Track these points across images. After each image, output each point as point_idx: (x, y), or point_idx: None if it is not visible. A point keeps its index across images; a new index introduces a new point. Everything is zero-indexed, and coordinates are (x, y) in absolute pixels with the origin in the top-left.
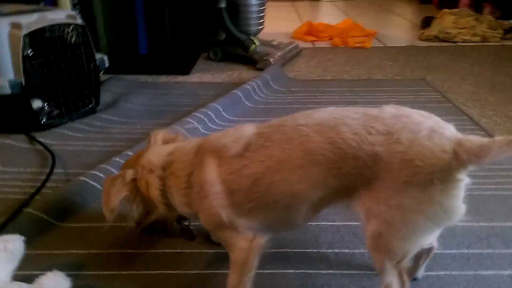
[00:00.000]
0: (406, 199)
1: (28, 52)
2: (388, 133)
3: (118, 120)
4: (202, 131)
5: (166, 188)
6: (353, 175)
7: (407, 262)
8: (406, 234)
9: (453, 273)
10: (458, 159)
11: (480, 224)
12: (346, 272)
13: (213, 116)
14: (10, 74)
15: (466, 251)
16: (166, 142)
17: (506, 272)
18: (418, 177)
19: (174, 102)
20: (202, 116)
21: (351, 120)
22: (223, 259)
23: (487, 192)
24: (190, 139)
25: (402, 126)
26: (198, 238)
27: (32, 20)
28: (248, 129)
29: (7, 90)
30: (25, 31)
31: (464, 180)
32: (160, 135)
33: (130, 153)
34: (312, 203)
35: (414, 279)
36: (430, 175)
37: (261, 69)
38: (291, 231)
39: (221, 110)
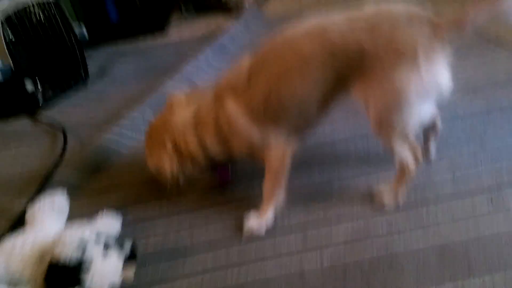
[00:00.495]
0: (396, 81)
1: (10, 37)
2: (371, 28)
3: (112, 88)
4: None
5: (202, 141)
6: (345, 69)
7: (414, 138)
8: (402, 110)
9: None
10: (437, 30)
11: None
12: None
13: (204, 67)
14: None
15: None
16: (183, 102)
17: None
18: (403, 60)
19: (159, 62)
20: (194, 69)
21: (335, 24)
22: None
23: None
24: (202, 90)
25: (382, 20)
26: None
27: (4, 6)
28: (245, 61)
29: None
30: (1, 18)
31: (446, 52)
32: (176, 97)
33: (136, 114)
34: (318, 100)
35: (428, 161)
36: (413, 55)
37: (238, 15)
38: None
39: (210, 60)
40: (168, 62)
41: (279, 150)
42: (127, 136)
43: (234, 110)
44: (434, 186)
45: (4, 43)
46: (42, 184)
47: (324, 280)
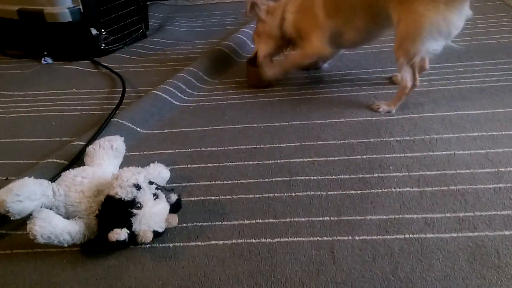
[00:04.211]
0: (419, 6)
1: None
2: None
3: (169, 42)
4: (252, 46)
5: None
6: None
7: (417, 61)
8: (416, 36)
9: (511, 149)
10: None
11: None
12: (409, 154)
13: None
14: (68, 2)
15: None
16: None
17: None
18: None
19: (217, 22)
20: (250, 31)
21: None
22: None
23: None
24: None
25: None
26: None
27: None
28: None
29: (68, 17)
30: None
31: (464, 9)
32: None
33: (189, 68)
34: (371, 13)
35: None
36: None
37: None
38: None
39: None
40: (226, 23)
41: (320, 45)
42: (181, 89)
43: None
44: (473, 179)
45: None
46: (102, 126)
47: (354, 258)
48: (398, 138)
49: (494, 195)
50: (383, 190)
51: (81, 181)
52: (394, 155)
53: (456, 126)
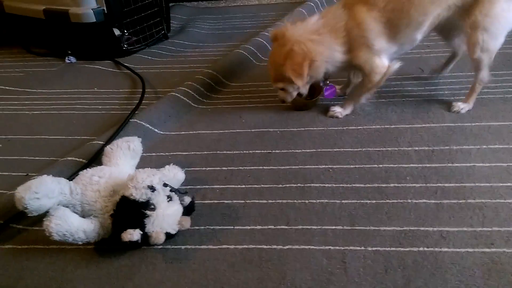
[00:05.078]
0: (495, 9)
1: None
2: None
3: (190, 44)
4: None
5: (328, 47)
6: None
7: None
8: (497, 35)
9: None
10: None
11: None
12: (428, 165)
13: None
14: (92, 3)
15: None
16: (292, 26)
17: None
18: None
19: (238, 25)
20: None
21: None
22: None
23: None
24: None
25: None
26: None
27: None
28: None
29: (92, 18)
30: None
31: None
32: (281, 28)
33: (208, 71)
34: (433, 19)
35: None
36: None
37: None
38: None
39: None
40: (246, 25)
41: (383, 68)
42: (199, 91)
43: (365, 16)
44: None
45: None
46: (121, 126)
47: (365, 270)
48: (417, 148)
49: None
50: (398, 200)
51: (98, 181)
52: (411, 165)
53: (477, 138)
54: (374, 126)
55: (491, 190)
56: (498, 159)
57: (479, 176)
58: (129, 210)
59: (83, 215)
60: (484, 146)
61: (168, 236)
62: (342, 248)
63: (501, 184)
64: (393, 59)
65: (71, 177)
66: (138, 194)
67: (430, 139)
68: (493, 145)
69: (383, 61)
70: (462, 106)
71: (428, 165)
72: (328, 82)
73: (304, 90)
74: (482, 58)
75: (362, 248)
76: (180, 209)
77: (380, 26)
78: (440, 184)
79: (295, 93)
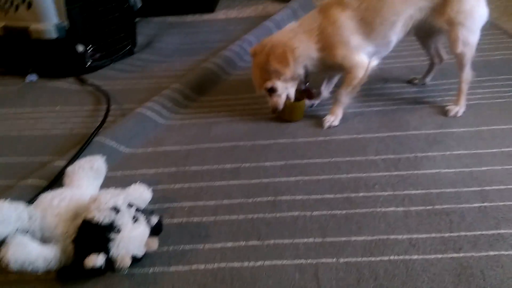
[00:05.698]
0: (465, 5)
1: None
2: None
3: (157, 59)
4: (239, 64)
5: (305, 47)
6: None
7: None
8: (473, 29)
9: (495, 168)
10: None
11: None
12: (395, 173)
13: (247, 48)
14: (54, 19)
15: (507, 149)
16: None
17: None
18: None
19: (206, 39)
20: (237, 50)
21: None
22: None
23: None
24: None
25: None
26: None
27: None
28: None
29: (54, 34)
30: None
31: None
32: (260, 43)
33: (175, 86)
34: (406, 20)
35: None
36: None
37: (287, 0)
38: None
39: (253, 42)
40: (214, 39)
41: (364, 64)
42: (167, 107)
43: (340, 15)
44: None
45: (63, 1)
46: (84, 145)
47: (338, 282)
48: (384, 157)
49: (479, 215)
50: (368, 210)
51: (58, 204)
52: (379, 173)
53: (441, 144)
54: (342, 137)
55: (456, 195)
56: (462, 164)
57: (444, 182)
58: (92, 234)
59: (44, 241)
60: (448, 152)
61: (135, 259)
62: (314, 261)
63: (466, 189)
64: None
65: (31, 201)
66: (101, 216)
67: (396, 147)
68: (456, 151)
69: (361, 57)
70: (456, 109)
71: (395, 173)
72: (308, 84)
73: (292, 91)
74: (465, 52)
75: (334, 260)
76: (146, 230)
77: (354, 23)
78: (407, 192)
79: (285, 95)
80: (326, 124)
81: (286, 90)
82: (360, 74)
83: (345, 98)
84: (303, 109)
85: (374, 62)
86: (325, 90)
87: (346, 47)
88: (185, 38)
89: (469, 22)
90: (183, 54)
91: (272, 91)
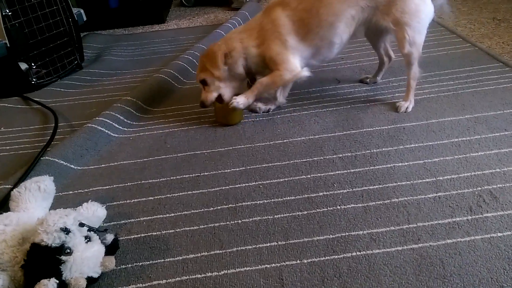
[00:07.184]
0: (409, 5)
1: (7, 11)
2: None
3: (107, 72)
4: (192, 72)
5: (244, 44)
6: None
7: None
8: (419, 28)
9: (446, 158)
10: None
11: (466, 116)
12: (352, 170)
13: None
14: None
15: (456, 139)
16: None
17: (493, 151)
18: None
19: (157, 50)
20: (190, 58)
21: None
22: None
23: (469, 89)
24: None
25: None
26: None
27: None
28: None
29: None
30: None
31: None
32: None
33: (127, 98)
34: (347, 20)
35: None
36: None
37: (237, 8)
38: None
39: None
40: (165, 50)
41: (296, 68)
42: (119, 120)
43: (279, 14)
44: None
45: (0, 18)
46: (31, 166)
47: (303, 283)
48: (341, 155)
49: (435, 205)
50: (328, 208)
51: (4, 229)
52: (337, 172)
53: (394, 139)
54: (299, 138)
55: (411, 187)
56: (414, 157)
57: (399, 175)
58: (42, 258)
59: None
60: (401, 147)
61: (91, 280)
62: (278, 264)
63: (420, 181)
64: (310, 66)
65: None
66: (50, 238)
67: (352, 145)
68: (409, 144)
69: (295, 61)
70: (406, 105)
71: (352, 170)
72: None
73: (226, 91)
74: (412, 51)
75: (298, 261)
76: (101, 249)
77: (291, 23)
78: (365, 188)
79: (215, 94)
80: (232, 104)
81: (219, 88)
82: (287, 77)
83: (262, 91)
84: (239, 112)
85: (305, 73)
86: (280, 96)
87: (283, 45)
88: (136, 50)
89: (415, 22)
90: (134, 66)
91: (204, 83)
